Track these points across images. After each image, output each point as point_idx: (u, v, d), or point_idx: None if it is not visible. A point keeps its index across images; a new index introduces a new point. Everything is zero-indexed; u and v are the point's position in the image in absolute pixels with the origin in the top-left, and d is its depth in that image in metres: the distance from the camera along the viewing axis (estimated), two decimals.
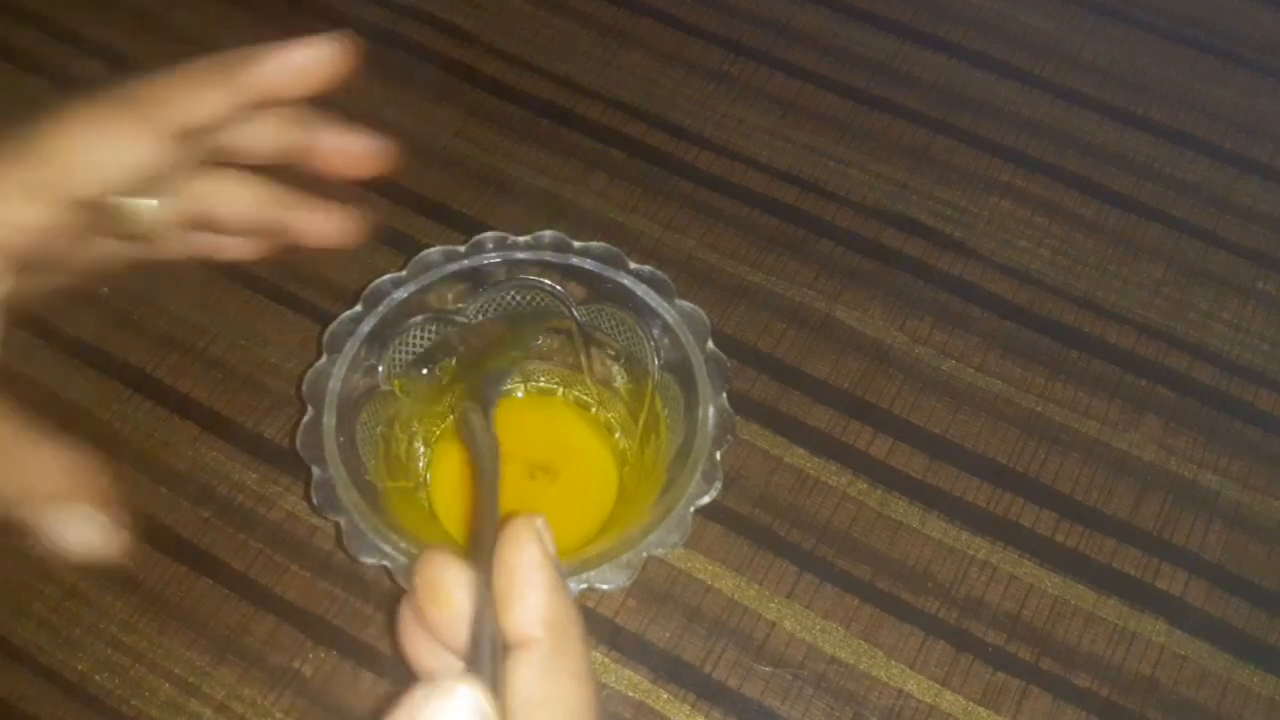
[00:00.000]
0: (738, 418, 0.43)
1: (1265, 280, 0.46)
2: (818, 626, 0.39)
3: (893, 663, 0.38)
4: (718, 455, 0.33)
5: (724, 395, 0.34)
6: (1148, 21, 0.53)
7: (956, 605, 0.39)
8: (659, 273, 0.36)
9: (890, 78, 0.51)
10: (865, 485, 0.41)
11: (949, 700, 0.38)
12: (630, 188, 0.48)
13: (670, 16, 0.52)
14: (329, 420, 0.33)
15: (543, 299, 0.37)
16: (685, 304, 0.36)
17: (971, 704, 0.38)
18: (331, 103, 0.52)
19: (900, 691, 0.38)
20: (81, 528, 0.27)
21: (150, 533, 0.40)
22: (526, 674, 0.22)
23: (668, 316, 0.35)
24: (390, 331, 0.36)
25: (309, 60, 0.31)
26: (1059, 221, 0.47)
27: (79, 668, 0.38)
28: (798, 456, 0.42)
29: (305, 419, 0.33)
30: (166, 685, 0.37)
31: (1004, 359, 0.44)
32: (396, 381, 0.37)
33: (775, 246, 0.46)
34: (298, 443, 0.33)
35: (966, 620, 0.39)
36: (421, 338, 0.37)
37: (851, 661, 0.38)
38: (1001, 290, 0.46)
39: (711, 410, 0.34)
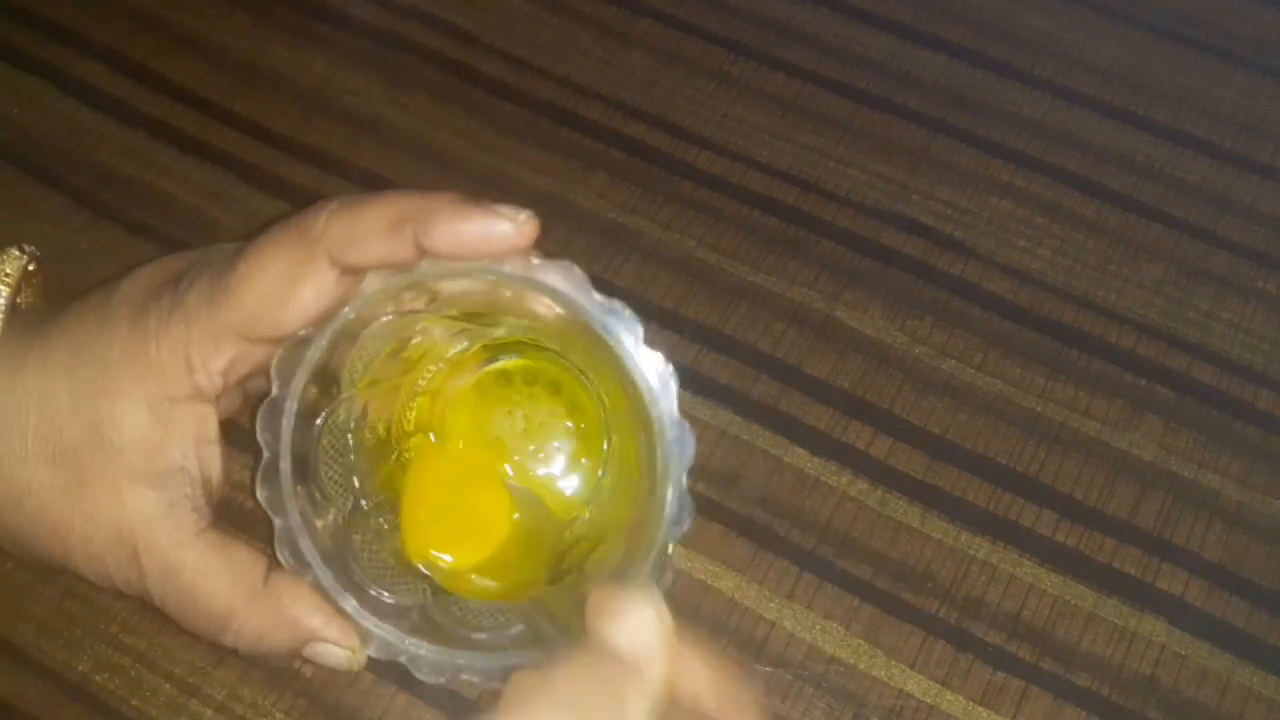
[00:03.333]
0: (737, 418, 0.43)
1: (1265, 280, 0.46)
2: (818, 626, 0.39)
3: (893, 663, 0.38)
4: (670, 548, 0.30)
5: (684, 477, 0.30)
6: (1148, 21, 0.53)
7: (956, 605, 0.39)
8: (625, 310, 0.30)
9: (890, 78, 0.51)
10: (865, 485, 0.41)
11: (949, 700, 0.38)
12: (630, 188, 0.48)
13: (670, 16, 0.52)
14: (285, 465, 0.31)
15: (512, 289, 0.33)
16: (650, 353, 0.30)
17: (971, 704, 0.38)
18: (331, 103, 0.52)
19: (900, 691, 0.38)
20: (334, 656, 0.32)
21: None
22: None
23: (635, 372, 0.30)
24: (345, 348, 0.33)
25: (486, 233, 0.30)
26: (1059, 221, 0.47)
27: (80, 668, 0.38)
28: (798, 456, 0.42)
29: (263, 461, 0.31)
30: (167, 685, 0.37)
31: (1004, 359, 0.44)
32: (360, 385, 0.34)
33: (775, 246, 0.46)
34: (258, 494, 0.31)
35: (966, 620, 0.39)
36: (379, 342, 0.34)
37: (851, 661, 0.38)
38: (1001, 290, 0.46)
39: (670, 493, 0.30)
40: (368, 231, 0.30)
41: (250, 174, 0.47)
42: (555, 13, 0.52)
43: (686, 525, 0.30)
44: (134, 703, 0.37)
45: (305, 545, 0.31)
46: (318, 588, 0.31)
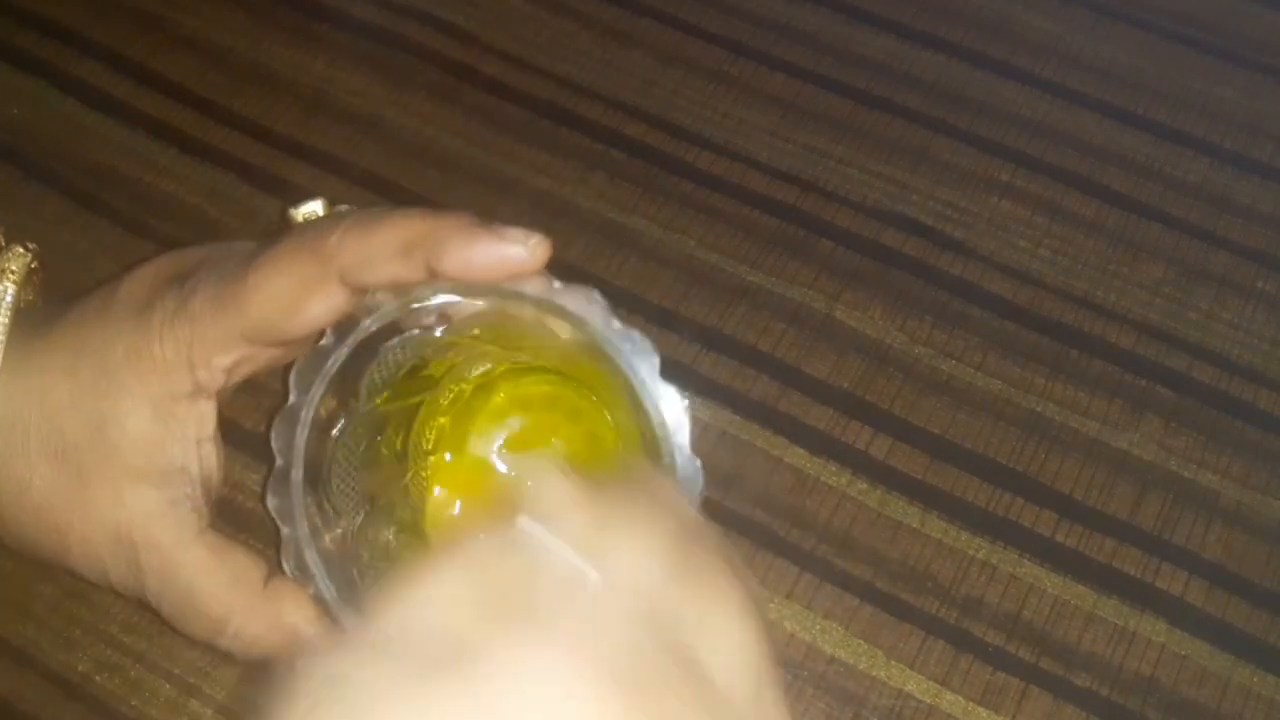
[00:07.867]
0: (737, 418, 0.43)
1: (1265, 280, 0.46)
2: (818, 626, 0.39)
3: (893, 663, 0.38)
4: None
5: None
6: (1148, 21, 0.53)
7: (956, 605, 0.39)
8: (642, 340, 0.30)
9: (890, 78, 0.51)
10: (865, 485, 0.41)
11: (949, 700, 0.38)
12: (630, 188, 0.48)
13: (670, 16, 0.52)
14: (297, 475, 0.31)
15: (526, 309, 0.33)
16: (666, 386, 0.30)
17: (971, 704, 0.38)
18: (332, 103, 0.52)
19: (900, 691, 0.38)
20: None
21: None
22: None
23: (649, 407, 0.30)
24: (364, 360, 0.32)
25: (496, 258, 0.30)
26: (1059, 221, 0.47)
27: (80, 668, 0.38)
28: (798, 456, 0.42)
29: (274, 469, 0.31)
30: (167, 686, 0.37)
31: (1004, 359, 0.44)
32: (378, 399, 0.34)
33: (775, 246, 0.46)
34: (268, 502, 0.31)
35: (966, 620, 0.39)
36: (400, 357, 0.34)
37: (851, 661, 0.38)
38: (1001, 290, 0.46)
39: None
40: (379, 254, 0.30)
41: (250, 174, 0.47)
42: (555, 12, 0.52)
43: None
44: (134, 703, 0.37)
45: (310, 557, 0.31)
46: (320, 600, 0.31)
